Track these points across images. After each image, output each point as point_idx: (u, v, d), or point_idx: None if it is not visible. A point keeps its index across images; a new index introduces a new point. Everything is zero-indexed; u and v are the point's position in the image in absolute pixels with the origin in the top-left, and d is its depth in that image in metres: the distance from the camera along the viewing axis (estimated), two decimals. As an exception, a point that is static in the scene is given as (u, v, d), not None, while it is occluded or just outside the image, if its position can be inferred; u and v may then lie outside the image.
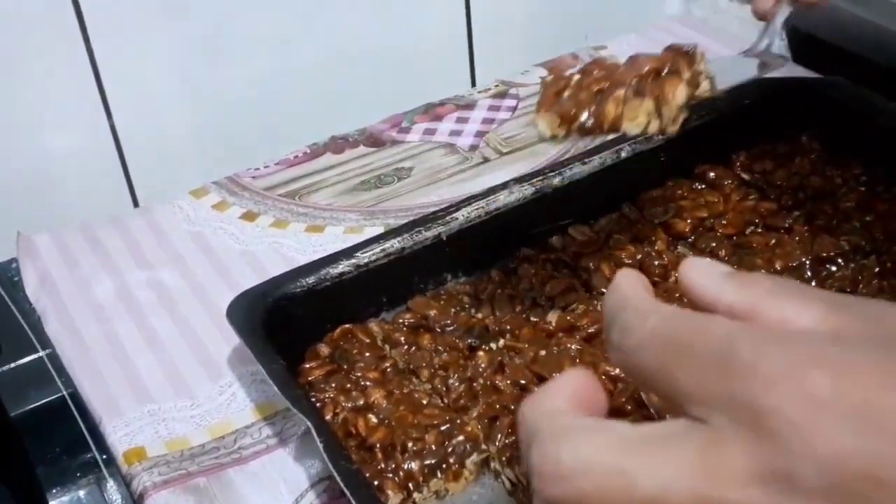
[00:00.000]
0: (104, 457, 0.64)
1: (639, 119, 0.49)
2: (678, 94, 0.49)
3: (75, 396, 0.67)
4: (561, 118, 0.50)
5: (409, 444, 0.56)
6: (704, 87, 0.51)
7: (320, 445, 0.51)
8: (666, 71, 0.49)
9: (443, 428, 0.57)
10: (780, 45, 0.62)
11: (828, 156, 0.74)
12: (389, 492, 0.55)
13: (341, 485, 0.50)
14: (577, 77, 0.51)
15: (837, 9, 0.92)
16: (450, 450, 0.57)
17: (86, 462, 0.65)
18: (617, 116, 0.49)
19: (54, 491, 0.64)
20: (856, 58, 0.87)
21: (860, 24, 0.89)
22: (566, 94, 0.50)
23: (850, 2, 0.91)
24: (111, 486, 0.63)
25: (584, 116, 0.50)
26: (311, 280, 0.63)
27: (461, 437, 0.57)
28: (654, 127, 0.49)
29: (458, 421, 0.58)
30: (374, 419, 0.58)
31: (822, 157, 0.73)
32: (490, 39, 1.00)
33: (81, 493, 0.64)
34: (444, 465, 0.56)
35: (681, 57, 0.50)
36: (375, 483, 0.55)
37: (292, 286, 0.62)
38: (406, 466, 0.56)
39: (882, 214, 0.69)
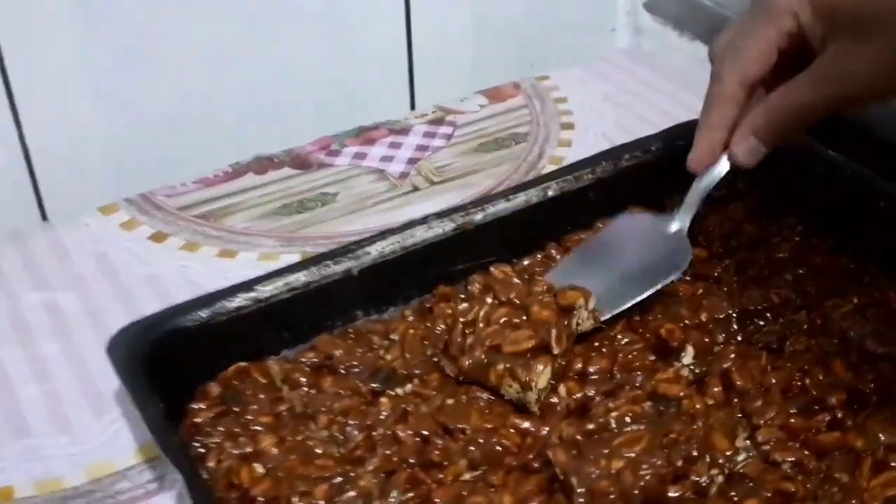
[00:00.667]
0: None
1: (511, 392, 0.58)
2: (541, 379, 0.57)
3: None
4: (459, 369, 0.59)
5: (295, 499, 0.52)
6: (586, 325, 0.61)
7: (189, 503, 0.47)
8: (535, 344, 0.58)
9: (334, 481, 0.53)
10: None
11: (763, 204, 0.71)
12: None
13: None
14: (481, 314, 0.60)
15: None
16: None
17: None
18: (497, 383, 0.58)
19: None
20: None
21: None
22: (469, 340, 0.59)
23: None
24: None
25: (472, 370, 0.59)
26: (204, 314, 0.59)
27: (353, 493, 0.53)
28: (528, 397, 0.57)
29: (352, 474, 0.54)
30: (259, 469, 0.53)
31: (757, 205, 0.70)
32: (432, 61, 0.96)
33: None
34: None
35: (555, 326, 0.58)
36: None
37: (183, 319, 0.58)
38: None
39: (816, 268, 0.66)
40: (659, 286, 0.62)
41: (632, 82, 0.94)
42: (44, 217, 0.84)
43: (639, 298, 0.62)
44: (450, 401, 0.58)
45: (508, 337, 0.58)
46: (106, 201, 0.80)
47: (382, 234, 0.64)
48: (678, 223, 0.64)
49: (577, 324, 0.61)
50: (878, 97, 0.55)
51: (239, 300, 0.59)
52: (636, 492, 0.50)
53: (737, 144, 0.59)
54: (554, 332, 0.58)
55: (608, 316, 0.61)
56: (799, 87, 0.55)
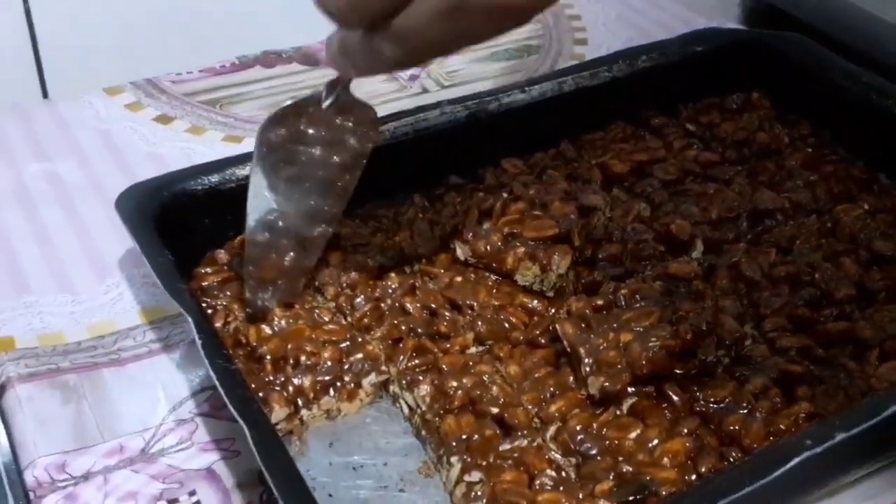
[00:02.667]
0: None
1: (527, 276, 0.57)
2: (562, 264, 0.57)
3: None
4: (472, 251, 0.58)
5: (303, 358, 0.51)
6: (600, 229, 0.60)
7: (198, 342, 0.47)
8: (557, 233, 0.57)
9: (342, 345, 0.53)
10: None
11: (777, 113, 0.70)
12: (275, 405, 0.50)
13: (216, 383, 0.45)
14: (497, 205, 0.59)
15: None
16: (346, 367, 0.52)
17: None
18: (513, 268, 0.57)
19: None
20: (812, 29, 0.85)
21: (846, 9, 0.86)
22: (485, 226, 0.58)
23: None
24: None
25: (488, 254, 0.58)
26: (214, 179, 0.58)
27: (360, 356, 0.52)
28: (545, 283, 0.57)
29: (360, 339, 0.53)
30: (267, 330, 0.53)
31: (771, 115, 0.70)
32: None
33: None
34: (338, 383, 0.52)
35: (577, 221, 0.58)
36: (260, 395, 0.50)
37: (193, 183, 0.57)
38: (296, 381, 0.51)
39: (827, 175, 0.66)
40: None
41: (645, 5, 0.93)
42: (45, 96, 0.83)
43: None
44: (458, 279, 0.58)
45: (530, 224, 0.58)
46: (108, 84, 0.79)
47: (395, 116, 0.63)
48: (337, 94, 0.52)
49: (595, 226, 0.60)
50: None
51: (250, 168, 0.58)
52: (643, 363, 0.50)
53: None
54: (578, 225, 0.58)
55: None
56: None
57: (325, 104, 0.52)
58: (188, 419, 0.52)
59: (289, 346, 0.52)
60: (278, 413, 0.50)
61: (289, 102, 0.52)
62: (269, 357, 0.52)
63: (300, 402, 0.51)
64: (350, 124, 0.53)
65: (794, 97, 0.70)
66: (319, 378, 0.51)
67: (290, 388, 0.51)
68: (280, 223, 0.54)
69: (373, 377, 0.52)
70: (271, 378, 0.51)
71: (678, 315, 0.52)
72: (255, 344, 0.52)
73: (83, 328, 0.57)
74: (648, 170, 0.66)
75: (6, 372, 0.53)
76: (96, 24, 0.82)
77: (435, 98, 0.79)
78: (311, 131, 0.53)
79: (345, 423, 0.52)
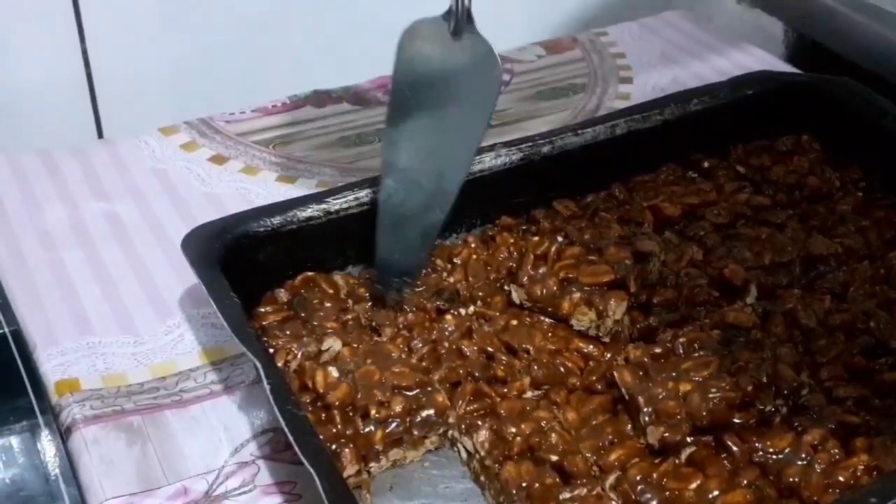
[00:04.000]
0: (39, 401, 0.59)
1: (583, 321, 0.58)
2: (618, 310, 0.57)
3: (17, 334, 0.62)
4: (528, 296, 0.59)
5: (373, 412, 0.52)
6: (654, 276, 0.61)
7: (267, 388, 0.47)
8: (613, 278, 0.58)
9: (411, 394, 0.53)
10: None
11: (827, 157, 0.71)
12: (346, 462, 0.50)
13: (285, 429, 0.46)
14: (553, 250, 0.60)
15: (842, 17, 0.90)
16: (417, 420, 0.52)
17: (20, 407, 0.60)
18: (569, 313, 0.58)
19: (-16, 435, 0.59)
20: (858, 67, 0.85)
21: (865, 34, 0.86)
22: (541, 270, 0.59)
23: (855, 10, 0.88)
24: (45, 434, 0.58)
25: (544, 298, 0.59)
26: (276, 221, 0.59)
27: (431, 411, 0.53)
28: (601, 328, 0.58)
29: (429, 388, 0.53)
30: (334, 373, 0.53)
31: (821, 158, 0.71)
32: (489, 13, 0.96)
33: (15, 440, 0.60)
34: (407, 436, 0.52)
35: (633, 267, 0.59)
36: (332, 448, 0.50)
37: (255, 225, 0.59)
38: (365, 431, 0.51)
39: (878, 221, 0.66)
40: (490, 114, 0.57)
41: (689, 42, 0.94)
42: (100, 136, 0.84)
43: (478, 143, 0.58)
44: (514, 322, 0.58)
45: (586, 270, 0.59)
46: (161, 124, 0.80)
47: (451, 159, 0.64)
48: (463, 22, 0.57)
49: (650, 271, 0.61)
50: None
51: (311, 210, 0.60)
52: (703, 414, 0.50)
53: None
54: (633, 271, 0.59)
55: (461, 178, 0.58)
56: None
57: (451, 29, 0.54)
58: (250, 461, 0.53)
59: (358, 396, 0.52)
60: (349, 469, 0.50)
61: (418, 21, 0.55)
62: (337, 405, 0.52)
63: (369, 456, 0.51)
64: (470, 58, 0.55)
65: (843, 141, 0.70)
66: (389, 431, 0.52)
67: (360, 442, 0.51)
68: (414, 176, 0.56)
69: (441, 429, 0.53)
70: (340, 429, 0.51)
71: (737, 365, 0.52)
72: (322, 391, 0.53)
73: (145, 369, 0.58)
74: (700, 213, 0.67)
75: (72, 414, 0.55)
76: (150, 65, 0.84)
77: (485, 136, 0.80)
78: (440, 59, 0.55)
79: (404, 466, 0.53)
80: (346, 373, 0.53)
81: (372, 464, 0.51)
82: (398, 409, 0.52)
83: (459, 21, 0.55)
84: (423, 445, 0.52)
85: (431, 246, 0.60)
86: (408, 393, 0.53)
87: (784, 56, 0.97)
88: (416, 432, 0.52)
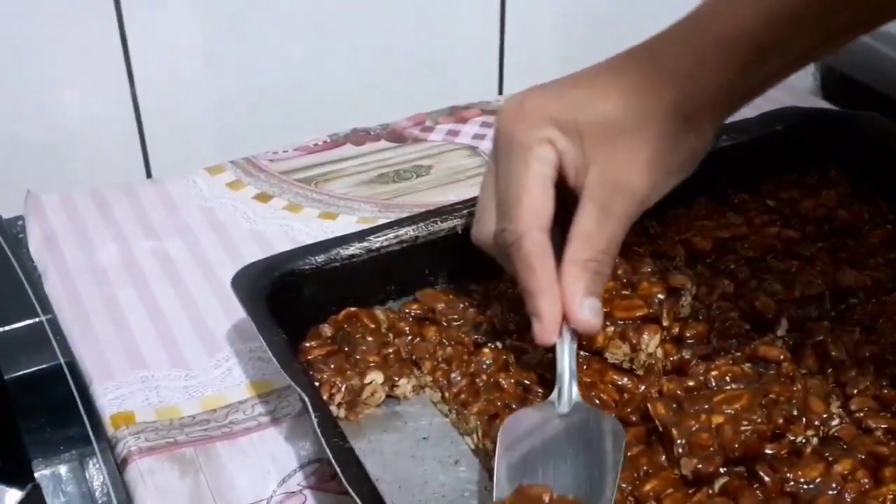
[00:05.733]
0: (93, 431, 0.62)
1: (617, 354, 0.59)
2: (651, 343, 0.58)
3: (72, 365, 0.65)
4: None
5: None
6: (686, 309, 0.62)
7: (314, 420, 0.50)
8: (647, 313, 0.59)
9: None
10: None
11: (855, 190, 0.72)
12: None
13: (331, 460, 0.48)
14: None
15: (873, 49, 0.91)
16: None
17: (71, 437, 0.63)
18: (604, 346, 0.59)
19: (35, 462, 0.62)
20: (888, 99, 0.86)
21: (894, 65, 0.88)
22: None
23: (885, 43, 0.90)
24: (94, 463, 0.61)
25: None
26: (320, 259, 0.61)
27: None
28: (634, 361, 0.59)
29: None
30: None
31: (849, 192, 0.72)
32: (522, 49, 0.99)
33: (63, 468, 0.62)
34: None
35: (665, 302, 0.60)
36: None
37: (301, 263, 0.61)
38: None
39: (908, 254, 0.67)
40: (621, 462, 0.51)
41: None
42: (148, 175, 0.88)
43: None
44: (549, 355, 0.60)
45: (619, 304, 0.60)
46: (205, 163, 0.83)
47: (487, 196, 0.66)
48: (566, 399, 0.54)
49: (682, 305, 0.62)
50: (658, 194, 0.56)
51: (353, 248, 0.62)
52: (736, 446, 0.52)
53: (580, 312, 0.54)
54: (666, 306, 0.61)
55: None
56: (594, 226, 0.54)
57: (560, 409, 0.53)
58: (296, 492, 0.55)
59: None
60: None
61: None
62: None
63: None
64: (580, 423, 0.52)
65: (871, 174, 0.71)
66: None
67: None
68: None
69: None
70: None
71: (768, 398, 0.54)
72: None
73: (197, 402, 0.61)
74: (731, 246, 0.68)
75: (128, 445, 0.57)
76: (196, 106, 0.88)
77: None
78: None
79: (444, 495, 0.55)
80: None
81: None
82: None
83: (566, 398, 0.54)
84: None
85: None
86: None
87: (814, 88, 0.99)
88: None
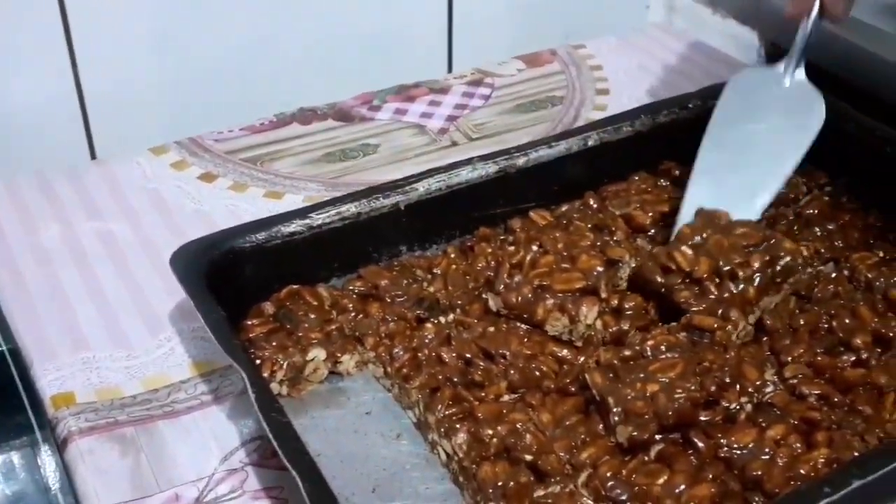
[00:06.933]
0: (37, 419, 0.61)
1: (557, 326, 0.60)
2: (590, 315, 0.60)
3: (14, 352, 0.64)
4: (504, 303, 0.61)
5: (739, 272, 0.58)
6: (624, 282, 0.64)
7: (252, 395, 0.50)
8: (585, 285, 0.61)
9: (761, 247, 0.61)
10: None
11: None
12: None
13: (269, 435, 0.48)
14: (528, 259, 0.63)
15: (815, 26, 0.92)
16: (777, 268, 0.61)
17: (20, 424, 0.62)
18: (544, 319, 0.60)
19: (-16, 451, 0.61)
20: (830, 75, 0.87)
21: (835, 42, 0.88)
22: (516, 279, 0.62)
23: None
24: (46, 450, 0.61)
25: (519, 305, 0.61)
26: (260, 236, 0.61)
27: (787, 258, 0.61)
28: (573, 333, 0.61)
29: (773, 240, 0.62)
30: (688, 251, 0.60)
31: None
32: (470, 29, 0.99)
33: (15, 455, 0.62)
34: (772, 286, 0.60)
35: (604, 274, 0.62)
36: None
37: (241, 241, 0.61)
38: (740, 290, 0.59)
39: (844, 224, 0.68)
40: (804, 149, 0.66)
41: (666, 54, 0.97)
42: (93, 157, 0.87)
43: (790, 171, 0.66)
44: (491, 329, 0.61)
45: (558, 277, 0.61)
46: (152, 144, 0.83)
47: (429, 172, 0.67)
48: (792, 72, 0.68)
49: (620, 277, 0.63)
50: None
51: (294, 226, 0.62)
52: (670, 413, 0.53)
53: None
54: (604, 278, 0.61)
55: (770, 199, 0.65)
56: None
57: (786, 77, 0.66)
58: (239, 468, 0.55)
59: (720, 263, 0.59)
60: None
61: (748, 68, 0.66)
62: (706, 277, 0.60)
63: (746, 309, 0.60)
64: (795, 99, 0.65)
65: (810, 148, 0.72)
66: (758, 284, 0.60)
67: (738, 300, 0.60)
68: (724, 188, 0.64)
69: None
70: (717, 293, 0.60)
71: (702, 366, 0.55)
72: (687, 269, 0.60)
73: (138, 382, 0.61)
74: (671, 220, 0.69)
75: (68, 426, 0.57)
76: (141, 86, 0.87)
77: (464, 149, 0.83)
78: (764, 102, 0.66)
79: (386, 468, 0.55)
80: (697, 248, 0.61)
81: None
82: (757, 264, 0.60)
83: (794, 63, 0.67)
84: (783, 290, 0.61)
85: None
86: (757, 248, 0.60)
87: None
88: (778, 280, 0.60)
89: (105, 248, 0.71)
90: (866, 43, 0.83)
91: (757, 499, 0.49)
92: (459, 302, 0.63)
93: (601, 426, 0.54)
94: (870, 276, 0.63)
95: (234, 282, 0.60)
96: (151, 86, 0.87)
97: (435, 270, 0.66)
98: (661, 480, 0.50)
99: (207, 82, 0.88)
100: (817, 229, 0.68)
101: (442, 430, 0.55)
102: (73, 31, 0.83)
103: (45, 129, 0.86)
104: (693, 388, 0.54)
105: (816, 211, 0.69)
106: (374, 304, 0.63)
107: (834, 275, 0.64)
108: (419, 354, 0.59)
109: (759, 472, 0.50)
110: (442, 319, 0.62)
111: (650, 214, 0.69)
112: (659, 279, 0.60)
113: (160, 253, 0.70)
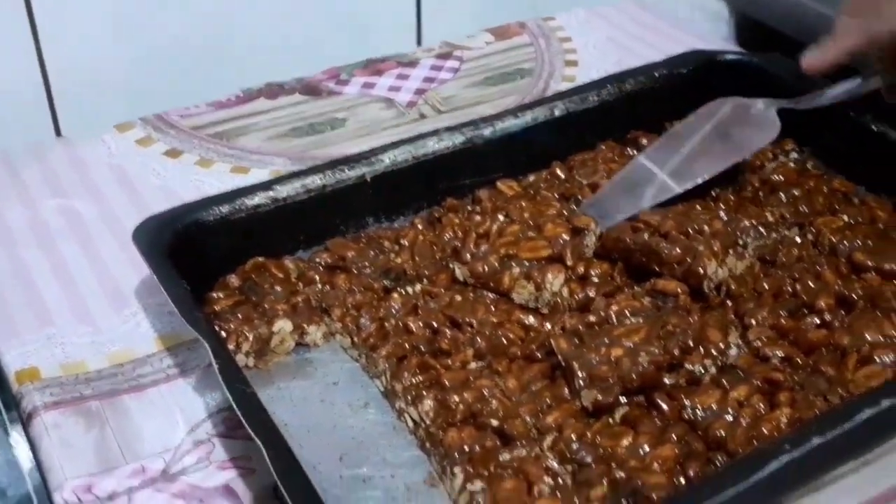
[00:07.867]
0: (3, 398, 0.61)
1: (523, 294, 0.61)
2: (555, 282, 0.60)
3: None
4: (471, 272, 0.62)
5: None
6: (590, 249, 0.64)
7: (215, 366, 0.50)
8: (551, 253, 0.62)
9: None
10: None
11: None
12: None
13: (233, 406, 0.48)
14: (494, 228, 0.63)
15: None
16: None
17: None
18: (510, 287, 0.61)
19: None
20: (797, 43, 0.88)
21: (800, 10, 0.89)
22: (483, 248, 0.62)
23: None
24: (19, 431, 0.60)
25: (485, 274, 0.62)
26: (224, 209, 0.61)
27: None
28: (539, 300, 0.61)
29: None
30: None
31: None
32: (439, 2, 0.99)
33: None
34: None
35: (569, 242, 0.62)
36: None
37: (204, 214, 0.61)
38: None
39: (809, 190, 0.68)
40: (738, 158, 0.69)
41: (635, 26, 0.96)
42: (58, 134, 0.86)
43: (717, 170, 0.68)
44: (458, 297, 0.61)
45: (525, 246, 0.61)
46: (118, 121, 0.82)
47: (395, 144, 0.67)
48: (765, 103, 0.70)
49: (587, 245, 0.63)
50: None
51: (258, 198, 0.62)
52: (634, 377, 0.53)
53: None
54: (569, 246, 0.61)
55: (688, 186, 0.67)
56: None
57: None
58: (206, 440, 0.55)
59: None
60: None
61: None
62: None
63: None
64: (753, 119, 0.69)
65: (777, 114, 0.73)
66: None
67: None
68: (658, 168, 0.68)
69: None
70: None
71: (666, 330, 0.55)
72: None
73: (104, 357, 0.60)
74: (638, 188, 0.69)
75: (32, 401, 0.57)
76: (106, 63, 0.86)
77: (432, 122, 0.83)
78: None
79: (353, 437, 0.55)
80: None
81: None
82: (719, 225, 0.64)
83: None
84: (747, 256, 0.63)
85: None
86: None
87: (729, 36, 1.00)
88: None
89: (69, 226, 0.71)
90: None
91: (720, 458, 0.50)
92: (426, 272, 0.63)
93: (567, 391, 0.54)
94: (834, 239, 0.63)
95: (198, 255, 0.60)
96: (117, 63, 0.87)
97: (402, 241, 0.65)
98: (625, 442, 0.51)
99: (173, 58, 0.88)
100: (783, 195, 0.68)
101: (409, 397, 0.55)
102: (35, 9, 0.83)
103: (9, 108, 0.85)
104: (657, 351, 0.54)
105: (782, 177, 0.70)
106: (340, 275, 0.63)
107: (799, 239, 0.64)
108: (386, 324, 0.59)
109: (723, 433, 0.51)
110: (409, 290, 0.62)
111: (616, 182, 0.69)
112: (629, 239, 0.61)
113: (125, 229, 0.69)
